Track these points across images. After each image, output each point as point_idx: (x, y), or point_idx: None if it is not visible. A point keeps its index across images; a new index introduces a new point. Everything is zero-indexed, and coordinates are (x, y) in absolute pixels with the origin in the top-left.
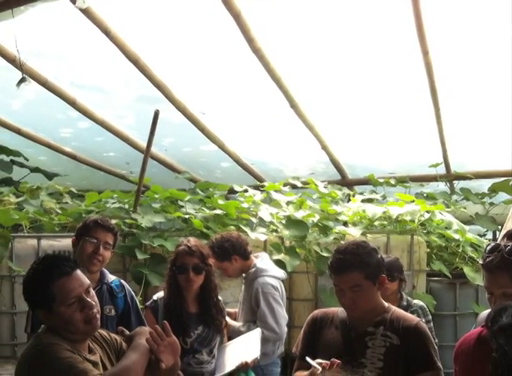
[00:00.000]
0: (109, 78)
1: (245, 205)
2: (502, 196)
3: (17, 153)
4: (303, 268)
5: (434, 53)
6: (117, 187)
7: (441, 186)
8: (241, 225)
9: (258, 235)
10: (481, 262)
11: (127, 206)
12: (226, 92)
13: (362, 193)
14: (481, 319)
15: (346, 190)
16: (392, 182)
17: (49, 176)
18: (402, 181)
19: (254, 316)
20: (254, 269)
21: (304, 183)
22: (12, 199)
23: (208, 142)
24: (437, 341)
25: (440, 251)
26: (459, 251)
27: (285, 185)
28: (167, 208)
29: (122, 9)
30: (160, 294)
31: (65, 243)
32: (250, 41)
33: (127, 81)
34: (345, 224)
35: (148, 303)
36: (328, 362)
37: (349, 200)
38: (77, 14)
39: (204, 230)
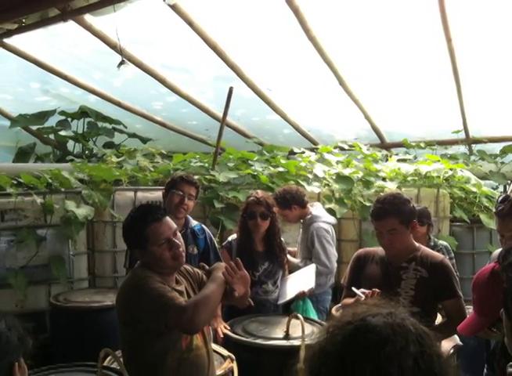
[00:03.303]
0: (192, 61)
1: (302, 164)
2: None
3: (118, 122)
4: (349, 215)
5: (456, 40)
6: (198, 149)
7: (462, 149)
8: (299, 180)
9: (313, 188)
10: (494, 210)
11: (207, 165)
12: (288, 73)
13: (397, 154)
14: (494, 256)
15: (384, 152)
16: (422, 145)
17: (144, 140)
18: (429, 144)
19: (309, 254)
20: (309, 216)
21: (351, 146)
22: (114, 159)
23: (273, 113)
24: (458, 274)
25: (461, 201)
26: (476, 201)
27: (335, 147)
28: (239, 166)
29: (203, 4)
30: (234, 236)
31: (156, 195)
32: (306, 31)
33: (207, 63)
34: (384, 179)
35: (224, 243)
36: (370, 291)
37: (387, 159)
38: (166, 9)
39: (269, 184)
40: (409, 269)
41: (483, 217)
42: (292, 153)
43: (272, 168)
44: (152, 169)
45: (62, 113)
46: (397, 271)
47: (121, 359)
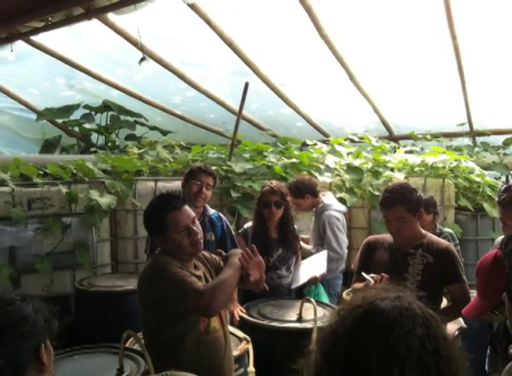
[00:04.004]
0: (210, 57)
1: (315, 155)
2: None
3: (139, 115)
4: (359, 203)
5: (461, 38)
6: (215, 141)
7: (466, 141)
8: (312, 171)
9: (325, 178)
10: (496, 199)
11: (223, 156)
12: (300, 68)
13: (405, 146)
14: (496, 243)
15: (393, 144)
16: (428, 137)
17: (164, 133)
18: (435, 136)
19: (321, 241)
20: (321, 204)
21: (361, 138)
22: (135, 150)
23: (286, 107)
24: (463, 260)
25: (465, 190)
26: (480, 190)
27: (346, 139)
28: (254, 158)
29: (220, 4)
30: (249, 223)
31: (176, 184)
32: (319, 29)
33: (223, 60)
34: (392, 170)
35: (240, 231)
36: (378, 276)
37: (395, 151)
38: (185, 8)
39: (283, 174)
40: (416, 255)
41: (486, 206)
42: (305, 144)
43: (285, 159)
44: (171, 160)
45: (86, 106)
46: (404, 257)
47: (142, 341)
